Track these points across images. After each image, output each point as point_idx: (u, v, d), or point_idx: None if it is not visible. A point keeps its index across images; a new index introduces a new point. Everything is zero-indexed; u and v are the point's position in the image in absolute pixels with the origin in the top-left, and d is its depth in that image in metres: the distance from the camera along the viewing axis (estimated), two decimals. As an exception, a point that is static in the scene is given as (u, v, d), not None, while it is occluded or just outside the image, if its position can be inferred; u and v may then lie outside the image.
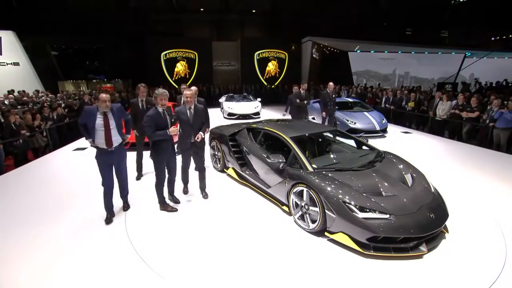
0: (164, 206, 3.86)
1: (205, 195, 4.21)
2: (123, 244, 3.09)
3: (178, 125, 3.69)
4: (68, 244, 3.13)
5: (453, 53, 20.02)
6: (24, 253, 2.98)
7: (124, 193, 3.83)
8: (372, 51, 19.27)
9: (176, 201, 4.04)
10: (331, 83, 7.59)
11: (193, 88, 4.59)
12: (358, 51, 19.11)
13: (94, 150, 3.49)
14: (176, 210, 3.85)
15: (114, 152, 3.43)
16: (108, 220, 3.59)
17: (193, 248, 3.02)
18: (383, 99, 10.80)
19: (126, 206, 3.87)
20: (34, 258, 2.90)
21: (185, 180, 4.31)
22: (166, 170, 3.79)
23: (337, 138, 4.86)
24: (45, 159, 6.63)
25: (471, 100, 7.69)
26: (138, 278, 2.59)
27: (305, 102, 7.49)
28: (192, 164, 4.23)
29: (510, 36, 20.99)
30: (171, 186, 4.02)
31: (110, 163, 3.50)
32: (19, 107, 9.15)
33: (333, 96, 7.70)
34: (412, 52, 19.83)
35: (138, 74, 18.24)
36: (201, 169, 4.14)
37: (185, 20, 19.59)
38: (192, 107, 3.84)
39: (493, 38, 21.97)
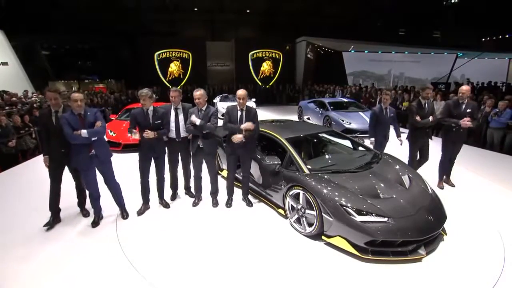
0: (144, 203, 3.82)
1: (215, 202, 4.00)
2: (113, 250, 2.98)
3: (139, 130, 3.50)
4: (56, 248, 3.00)
5: (445, 53, 20.28)
6: (16, 254, 2.85)
7: (120, 202, 3.62)
8: (366, 51, 19.38)
9: (166, 205, 3.94)
10: (464, 87, 4.19)
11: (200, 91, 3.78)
12: (352, 51, 19.19)
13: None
14: (148, 207, 3.82)
15: (97, 156, 3.24)
16: (95, 224, 3.45)
17: (187, 251, 2.93)
18: (378, 99, 10.79)
19: (125, 214, 3.64)
20: (27, 259, 2.78)
21: (198, 187, 4.01)
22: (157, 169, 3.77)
23: (333, 139, 4.80)
24: (33, 161, 6.43)
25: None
26: (127, 284, 2.49)
27: (430, 119, 4.24)
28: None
29: (500, 37, 21.35)
30: (161, 187, 3.91)
31: (92, 167, 3.30)
32: (7, 108, 8.89)
33: (469, 111, 4.09)
34: (405, 52, 20.01)
35: (131, 74, 18.07)
36: (212, 176, 3.95)
37: (179, 19, 19.46)
38: (204, 108, 3.65)
39: (483, 39, 22.32)
